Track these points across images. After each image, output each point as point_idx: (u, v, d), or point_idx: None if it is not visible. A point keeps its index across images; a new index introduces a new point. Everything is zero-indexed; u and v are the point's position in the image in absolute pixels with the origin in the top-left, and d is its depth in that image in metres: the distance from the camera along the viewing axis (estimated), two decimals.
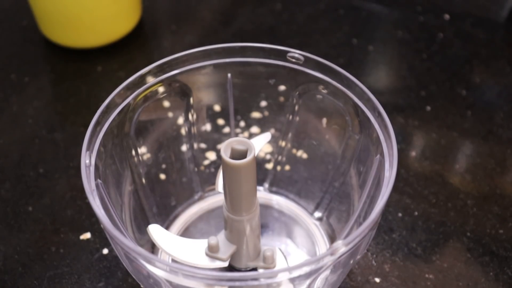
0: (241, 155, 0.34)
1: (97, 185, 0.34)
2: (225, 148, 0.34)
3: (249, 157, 0.34)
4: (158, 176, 0.45)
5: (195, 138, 0.45)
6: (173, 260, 0.38)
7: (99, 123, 0.36)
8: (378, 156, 0.36)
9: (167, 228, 0.44)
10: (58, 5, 0.55)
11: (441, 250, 0.43)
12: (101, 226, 0.33)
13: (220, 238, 0.39)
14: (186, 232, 0.44)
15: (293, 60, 0.40)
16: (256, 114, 0.47)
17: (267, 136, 0.43)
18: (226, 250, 0.38)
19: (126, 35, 0.60)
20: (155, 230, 0.39)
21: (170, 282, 0.32)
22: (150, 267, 0.31)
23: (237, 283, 0.30)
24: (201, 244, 0.39)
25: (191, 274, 0.30)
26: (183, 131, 0.45)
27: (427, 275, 0.42)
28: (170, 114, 0.44)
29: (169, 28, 0.62)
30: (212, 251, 0.38)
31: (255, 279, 0.30)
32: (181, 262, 0.38)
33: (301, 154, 0.46)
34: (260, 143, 0.43)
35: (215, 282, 0.31)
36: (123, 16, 0.58)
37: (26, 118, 0.53)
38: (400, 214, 0.46)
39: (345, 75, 0.38)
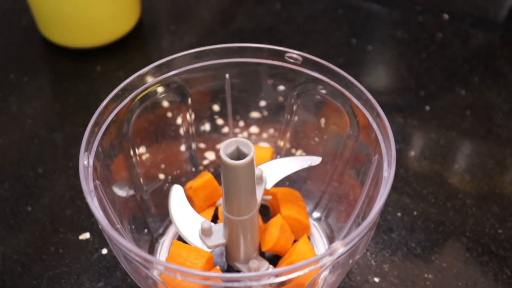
0: (243, 155, 0.34)
1: (95, 186, 0.34)
2: (224, 148, 0.34)
3: (247, 158, 0.34)
4: (157, 177, 0.45)
5: (193, 138, 0.45)
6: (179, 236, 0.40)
7: (97, 124, 0.36)
8: (376, 156, 0.36)
9: (165, 229, 0.44)
10: (57, 5, 0.55)
11: (440, 249, 0.43)
12: (100, 227, 0.33)
13: (218, 227, 0.39)
14: None
15: (291, 60, 0.40)
16: (255, 114, 0.47)
17: (317, 159, 0.42)
18: (215, 239, 0.39)
19: (125, 35, 0.60)
20: (176, 191, 0.41)
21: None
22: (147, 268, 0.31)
23: (235, 284, 0.30)
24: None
25: (189, 274, 0.30)
26: (182, 131, 0.45)
27: (426, 275, 0.42)
28: (169, 114, 0.44)
29: (168, 28, 0.62)
30: (203, 233, 0.39)
31: (253, 280, 0.30)
32: (176, 227, 0.40)
33: (300, 153, 0.46)
34: (304, 163, 0.42)
35: (213, 283, 0.31)
36: (122, 16, 0.58)
37: (25, 118, 0.53)
38: (399, 214, 0.46)
39: (343, 75, 0.38)
